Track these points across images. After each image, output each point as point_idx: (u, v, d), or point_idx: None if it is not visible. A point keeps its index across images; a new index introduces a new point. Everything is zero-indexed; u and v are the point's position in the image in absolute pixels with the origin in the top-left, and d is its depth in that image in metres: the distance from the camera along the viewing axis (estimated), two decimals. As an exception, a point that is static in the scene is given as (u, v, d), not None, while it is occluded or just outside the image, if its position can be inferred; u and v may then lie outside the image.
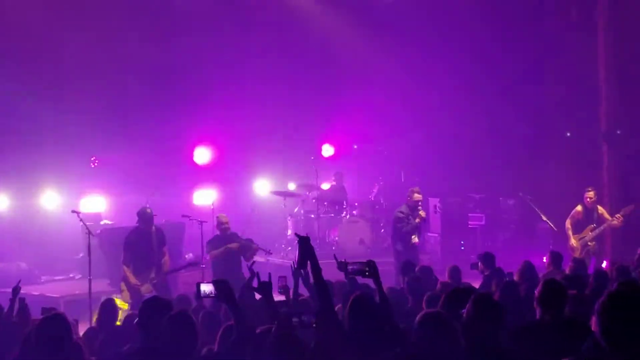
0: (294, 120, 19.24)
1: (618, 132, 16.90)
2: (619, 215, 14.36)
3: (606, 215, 14.44)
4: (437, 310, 5.75)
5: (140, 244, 12.28)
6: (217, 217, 13.20)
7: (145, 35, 17.39)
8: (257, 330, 6.09)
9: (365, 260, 6.61)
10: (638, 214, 14.97)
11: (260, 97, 18.83)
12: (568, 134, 18.67)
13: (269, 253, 13.61)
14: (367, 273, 6.44)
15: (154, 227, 12.45)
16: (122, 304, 12.02)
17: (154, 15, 17.91)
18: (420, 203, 13.69)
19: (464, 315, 5.59)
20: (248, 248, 12.79)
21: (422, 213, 13.64)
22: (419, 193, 13.82)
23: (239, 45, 18.70)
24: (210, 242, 12.90)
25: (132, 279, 12.07)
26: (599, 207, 14.57)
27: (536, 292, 6.35)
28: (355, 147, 19.46)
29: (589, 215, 14.37)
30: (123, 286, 12.17)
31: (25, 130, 16.34)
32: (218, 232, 13.01)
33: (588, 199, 14.34)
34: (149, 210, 12.48)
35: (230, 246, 12.62)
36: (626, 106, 17.07)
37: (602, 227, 14.33)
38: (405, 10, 18.92)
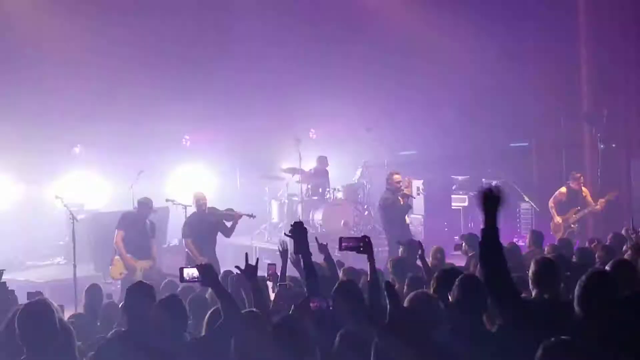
0: (278, 102, 19.22)
1: (604, 112, 16.86)
2: (602, 200, 14.39)
3: (589, 199, 14.45)
4: (423, 290, 5.80)
5: (135, 230, 12.30)
6: (194, 194, 12.78)
7: (128, 19, 17.30)
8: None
9: (360, 236, 6.68)
10: (620, 197, 15.04)
11: (244, 78, 18.78)
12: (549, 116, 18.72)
13: (252, 217, 13.15)
14: (361, 249, 6.47)
15: (148, 220, 12.47)
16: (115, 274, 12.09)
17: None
18: (400, 184, 13.66)
19: (450, 296, 5.64)
20: (229, 217, 12.53)
21: (406, 190, 13.61)
22: (397, 174, 13.79)
23: (222, 27, 18.65)
24: (189, 224, 12.50)
25: (133, 261, 12.11)
26: (584, 189, 14.58)
27: (530, 272, 6.24)
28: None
29: (573, 197, 14.39)
30: (117, 260, 12.20)
31: (9, 116, 16.26)
32: (195, 211, 12.61)
33: (579, 182, 14.34)
34: (149, 201, 12.49)
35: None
36: (607, 87, 17.13)
37: (585, 211, 14.35)
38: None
